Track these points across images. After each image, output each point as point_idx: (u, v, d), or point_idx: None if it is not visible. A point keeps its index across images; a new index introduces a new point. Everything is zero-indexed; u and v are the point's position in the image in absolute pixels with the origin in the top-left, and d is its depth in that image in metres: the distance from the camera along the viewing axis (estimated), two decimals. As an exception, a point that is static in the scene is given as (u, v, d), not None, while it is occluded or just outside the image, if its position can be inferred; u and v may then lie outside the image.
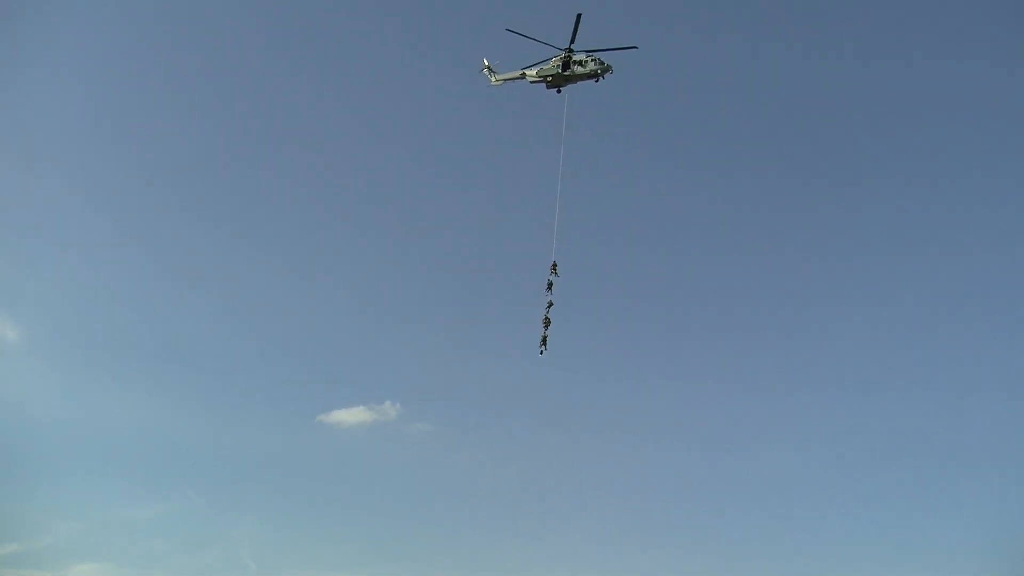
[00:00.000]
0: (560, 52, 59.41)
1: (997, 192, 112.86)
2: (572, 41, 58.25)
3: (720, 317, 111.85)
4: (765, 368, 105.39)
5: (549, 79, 60.32)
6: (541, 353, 57.59)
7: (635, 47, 57.84)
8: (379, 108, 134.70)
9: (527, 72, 61.76)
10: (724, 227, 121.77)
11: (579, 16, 56.13)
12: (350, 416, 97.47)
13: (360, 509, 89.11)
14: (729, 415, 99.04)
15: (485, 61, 64.68)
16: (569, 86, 60.70)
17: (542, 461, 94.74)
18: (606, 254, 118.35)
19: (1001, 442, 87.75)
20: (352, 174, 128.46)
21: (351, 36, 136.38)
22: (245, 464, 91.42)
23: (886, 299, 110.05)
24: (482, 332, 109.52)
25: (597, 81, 59.66)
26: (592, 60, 58.99)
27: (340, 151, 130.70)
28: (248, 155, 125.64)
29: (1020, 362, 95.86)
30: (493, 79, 64.04)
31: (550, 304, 58.03)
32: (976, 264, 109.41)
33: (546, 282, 58.30)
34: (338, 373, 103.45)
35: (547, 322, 57.91)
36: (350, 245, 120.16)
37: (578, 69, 59.31)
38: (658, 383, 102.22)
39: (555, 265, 58.82)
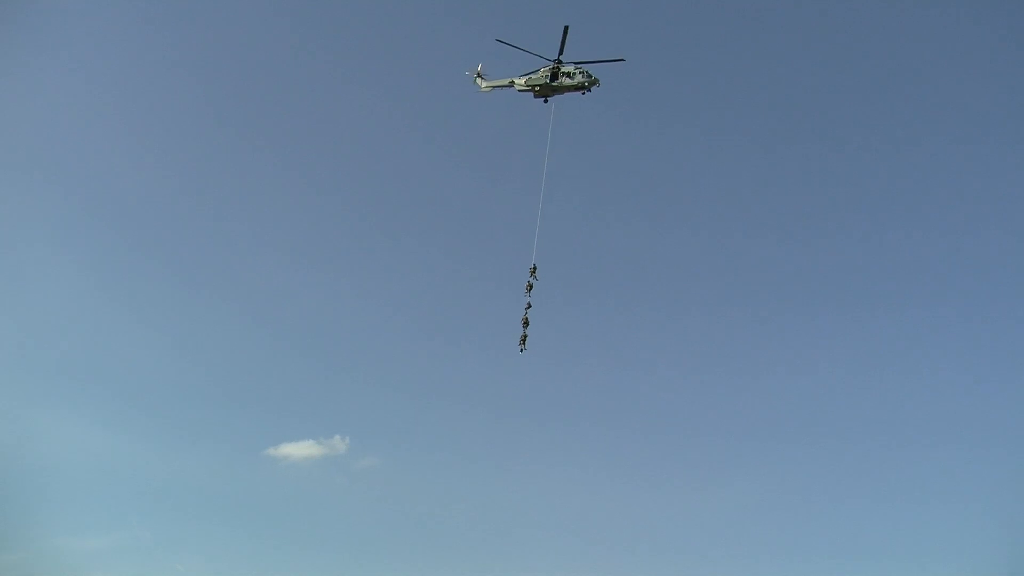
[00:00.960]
0: (549, 63, 61.63)
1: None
2: (560, 52, 60.38)
3: (698, 332, 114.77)
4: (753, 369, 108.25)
5: (537, 88, 62.31)
6: (521, 351, 60.01)
7: (622, 59, 60.28)
8: (361, 112, 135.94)
9: (516, 80, 63.74)
10: (707, 239, 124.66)
11: (567, 28, 58.26)
12: (298, 450, 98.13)
13: (307, 543, 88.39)
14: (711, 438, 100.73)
15: (478, 67, 66.56)
16: (556, 96, 63.05)
17: (493, 496, 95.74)
18: (584, 264, 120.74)
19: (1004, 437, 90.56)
20: (309, 202, 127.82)
21: (339, 38, 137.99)
22: (191, 497, 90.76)
23: (882, 293, 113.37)
24: (434, 367, 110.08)
25: (584, 93, 61.93)
26: (580, 72, 61.15)
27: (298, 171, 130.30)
28: (200, 180, 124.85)
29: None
30: (482, 85, 65.93)
31: (528, 305, 60.41)
32: (979, 257, 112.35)
33: (526, 284, 60.68)
34: (288, 406, 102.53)
35: (526, 322, 60.22)
36: (303, 279, 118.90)
37: (566, 81, 61.44)
38: (618, 419, 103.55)
39: (535, 268, 61.23)
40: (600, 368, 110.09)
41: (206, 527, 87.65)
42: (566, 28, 58.19)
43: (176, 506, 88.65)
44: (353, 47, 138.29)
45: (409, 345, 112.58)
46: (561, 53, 60.31)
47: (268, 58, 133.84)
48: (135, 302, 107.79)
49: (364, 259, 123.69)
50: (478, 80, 66.27)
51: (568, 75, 61.36)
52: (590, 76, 61.17)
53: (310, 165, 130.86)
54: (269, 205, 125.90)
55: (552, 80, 61.69)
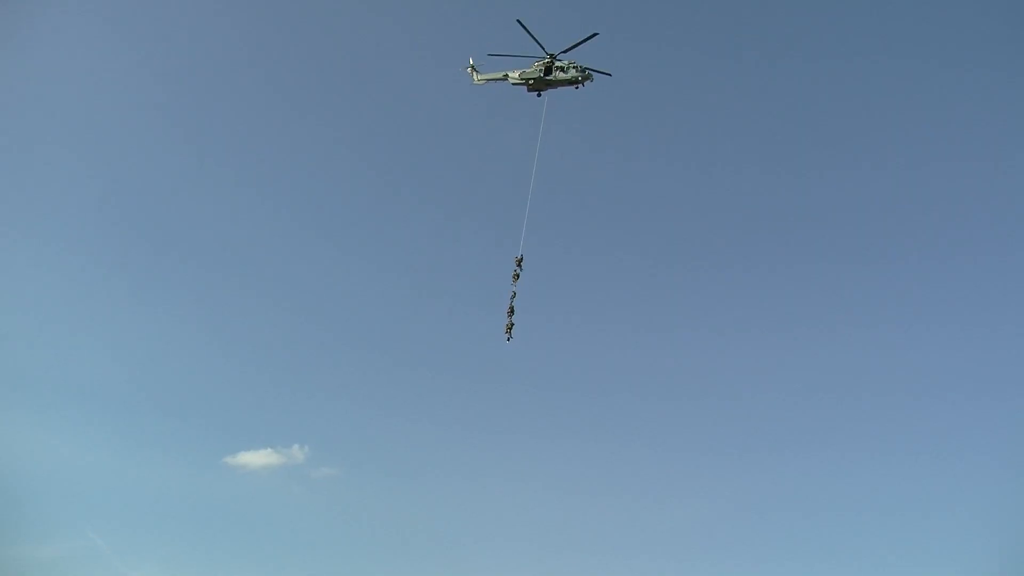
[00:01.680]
0: (543, 57, 62.52)
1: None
2: (542, 47, 60.88)
3: (685, 327, 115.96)
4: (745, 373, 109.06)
5: (531, 82, 63.28)
6: (508, 340, 60.57)
7: (595, 34, 58.83)
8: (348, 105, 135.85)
9: (510, 74, 64.73)
10: (696, 234, 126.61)
11: (519, 21, 58.26)
12: (257, 458, 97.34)
13: (264, 552, 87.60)
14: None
15: (470, 60, 67.52)
16: (549, 90, 64.03)
17: (453, 507, 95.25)
18: (570, 262, 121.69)
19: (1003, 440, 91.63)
20: (274, 204, 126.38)
21: (329, 30, 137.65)
22: (148, 504, 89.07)
23: (875, 300, 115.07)
24: (395, 377, 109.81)
25: (577, 88, 62.95)
26: (574, 67, 62.12)
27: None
28: (163, 185, 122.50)
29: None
30: (476, 78, 66.82)
31: (514, 294, 61.12)
32: (978, 263, 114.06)
33: (513, 273, 61.42)
34: (247, 415, 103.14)
35: (512, 311, 60.87)
36: (263, 286, 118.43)
37: (559, 75, 62.41)
38: (583, 431, 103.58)
39: (520, 259, 61.96)
40: (571, 378, 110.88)
41: (162, 535, 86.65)
42: (519, 21, 58.23)
43: (132, 514, 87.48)
44: (349, 38, 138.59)
45: (370, 355, 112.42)
46: (542, 47, 60.74)
47: (258, 50, 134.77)
48: (92, 310, 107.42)
49: (327, 266, 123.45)
50: (472, 72, 67.17)
51: (562, 69, 62.33)
52: (583, 71, 62.13)
53: (284, 167, 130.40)
54: (229, 212, 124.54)
55: (546, 74, 62.68)
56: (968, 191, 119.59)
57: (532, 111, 65.29)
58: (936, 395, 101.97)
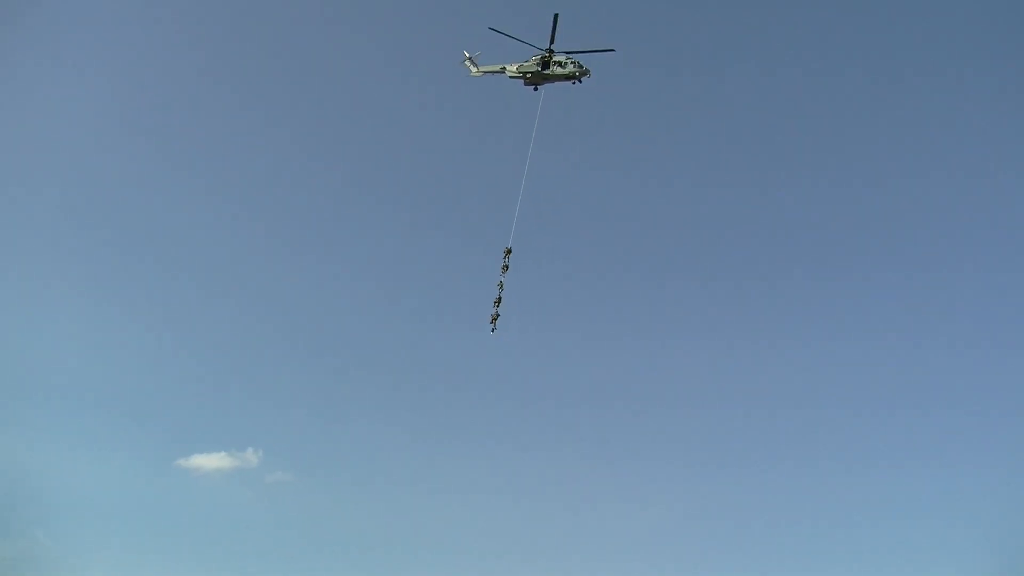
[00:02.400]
0: (541, 52, 62.81)
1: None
2: (552, 42, 61.53)
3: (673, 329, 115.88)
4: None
5: (528, 76, 63.45)
6: (492, 331, 60.16)
7: (612, 50, 61.37)
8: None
9: (507, 67, 64.88)
10: (687, 232, 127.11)
11: (556, 16, 59.40)
12: (210, 461, 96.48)
13: (213, 556, 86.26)
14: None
15: (466, 52, 67.53)
16: (546, 85, 64.24)
17: (405, 515, 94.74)
18: (552, 263, 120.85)
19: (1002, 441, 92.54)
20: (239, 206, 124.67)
21: (325, 22, 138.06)
22: (98, 506, 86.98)
23: (873, 302, 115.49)
24: (351, 384, 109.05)
25: (575, 83, 63.21)
26: (572, 62, 62.50)
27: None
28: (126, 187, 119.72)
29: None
30: (473, 70, 66.87)
31: (500, 284, 60.83)
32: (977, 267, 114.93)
33: (501, 265, 61.14)
34: (202, 417, 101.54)
35: (498, 302, 60.49)
36: (223, 290, 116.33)
37: (557, 70, 62.72)
38: (531, 450, 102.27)
39: (509, 250, 61.71)
40: (531, 385, 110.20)
41: (111, 537, 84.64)
42: (556, 16, 59.45)
43: (81, 514, 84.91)
44: (342, 31, 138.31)
45: (329, 360, 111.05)
46: (552, 42, 61.57)
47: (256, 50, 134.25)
48: (44, 306, 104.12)
49: (287, 269, 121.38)
50: (469, 64, 67.21)
51: (560, 64, 62.64)
52: (581, 66, 62.54)
53: (251, 165, 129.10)
54: (187, 212, 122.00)
55: (544, 68, 62.91)
56: (964, 202, 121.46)
57: (528, 106, 65.58)
58: (912, 405, 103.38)
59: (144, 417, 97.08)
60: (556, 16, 59.51)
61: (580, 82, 63.25)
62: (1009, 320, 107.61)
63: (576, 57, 62.55)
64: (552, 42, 61.48)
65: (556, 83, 63.71)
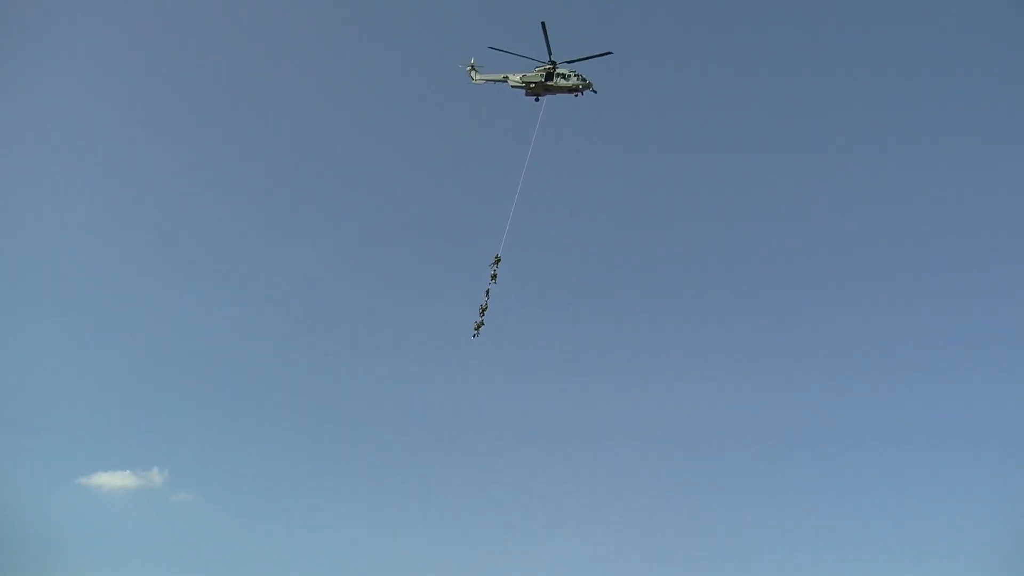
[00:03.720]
0: (543, 63, 62.40)
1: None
2: (549, 52, 60.92)
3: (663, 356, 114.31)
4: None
5: (532, 86, 62.98)
6: (474, 337, 59.03)
7: (610, 53, 60.00)
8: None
9: (510, 76, 64.42)
10: (680, 248, 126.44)
11: (543, 25, 58.61)
12: (113, 480, 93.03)
13: None
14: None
15: (471, 60, 66.99)
16: (548, 96, 63.79)
17: (309, 541, 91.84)
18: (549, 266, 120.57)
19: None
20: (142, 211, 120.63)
21: (330, 27, 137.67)
22: None
23: (874, 289, 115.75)
24: (261, 405, 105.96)
25: (576, 96, 62.80)
26: (575, 75, 62.17)
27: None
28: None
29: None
30: (475, 77, 66.29)
31: (487, 292, 59.88)
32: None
33: (491, 272, 60.25)
34: (107, 434, 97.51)
35: (483, 309, 59.44)
36: (133, 300, 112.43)
37: (560, 81, 62.34)
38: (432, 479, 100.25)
39: (498, 259, 60.77)
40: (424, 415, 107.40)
41: (4, 554, 77.43)
42: (543, 24, 58.67)
43: None
44: (336, 40, 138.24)
45: (239, 381, 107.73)
46: (550, 52, 60.99)
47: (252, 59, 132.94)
48: None
49: (201, 284, 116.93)
50: (471, 72, 66.66)
51: (563, 76, 62.28)
52: (584, 80, 62.25)
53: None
54: (86, 220, 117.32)
55: (547, 80, 62.50)
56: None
57: (528, 115, 65.07)
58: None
59: (45, 432, 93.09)
60: (543, 24, 58.74)
61: (582, 94, 62.94)
62: (1001, 322, 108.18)
63: (575, 65, 62.05)
64: (549, 52, 61.03)
65: (557, 94, 63.46)
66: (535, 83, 62.98)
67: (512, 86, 64.46)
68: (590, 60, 60.13)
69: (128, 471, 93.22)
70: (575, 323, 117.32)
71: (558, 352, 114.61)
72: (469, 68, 66.76)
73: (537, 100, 64.10)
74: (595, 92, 62.80)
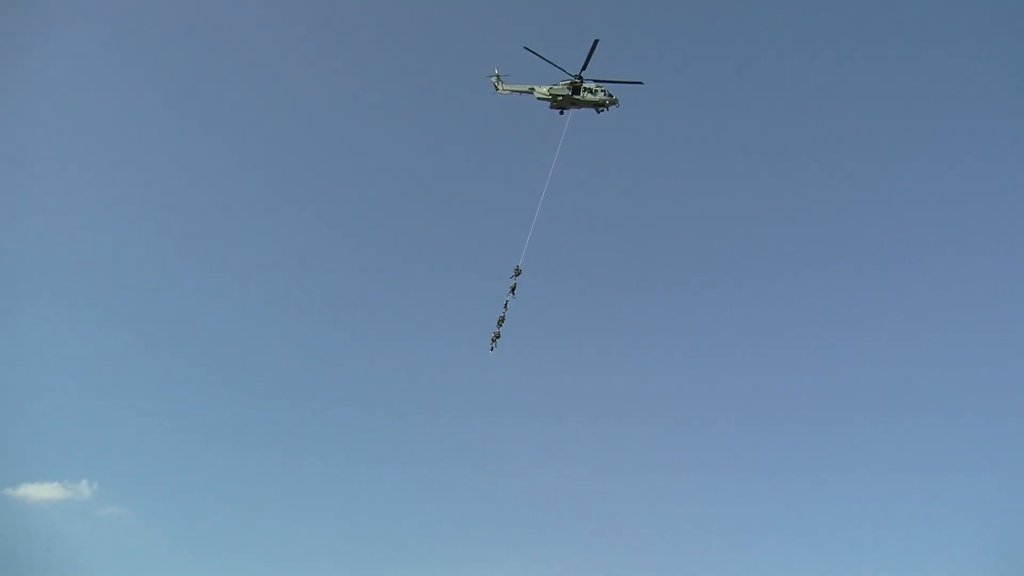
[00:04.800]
0: (569, 77, 62.36)
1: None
2: (584, 68, 61.04)
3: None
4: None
5: (559, 98, 62.90)
6: (491, 350, 58.94)
7: (640, 82, 61.53)
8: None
9: (536, 88, 64.30)
10: (697, 269, 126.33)
11: (596, 42, 58.66)
12: (39, 492, 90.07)
13: None
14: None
15: (495, 70, 66.81)
16: (572, 110, 63.79)
17: (244, 555, 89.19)
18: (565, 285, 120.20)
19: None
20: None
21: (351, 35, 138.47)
22: None
23: (875, 305, 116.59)
24: (199, 415, 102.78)
25: (600, 111, 62.88)
26: (602, 90, 62.31)
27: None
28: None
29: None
30: (500, 87, 66.01)
31: (506, 304, 59.80)
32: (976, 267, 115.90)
33: (511, 284, 60.19)
34: (35, 444, 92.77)
35: (501, 321, 59.29)
36: (61, 297, 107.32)
37: (587, 96, 62.42)
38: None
39: (518, 271, 60.74)
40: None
41: None
42: (595, 42, 58.77)
43: None
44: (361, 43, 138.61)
45: (171, 393, 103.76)
46: (585, 68, 61.14)
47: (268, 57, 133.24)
48: None
49: (147, 279, 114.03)
50: (496, 81, 66.45)
51: (590, 91, 62.39)
52: (610, 95, 62.41)
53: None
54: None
55: (574, 93, 62.48)
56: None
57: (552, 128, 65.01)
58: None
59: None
60: (596, 42, 58.87)
61: (607, 110, 63.00)
62: (1003, 319, 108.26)
63: (604, 86, 62.33)
64: (584, 68, 61.09)
65: (582, 108, 63.49)
66: (562, 96, 62.96)
67: (538, 98, 64.27)
68: (618, 84, 60.45)
69: (56, 483, 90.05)
70: (592, 342, 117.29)
71: (560, 351, 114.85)
72: (494, 78, 66.60)
73: (562, 113, 64.17)
74: (641, 83, 62.81)
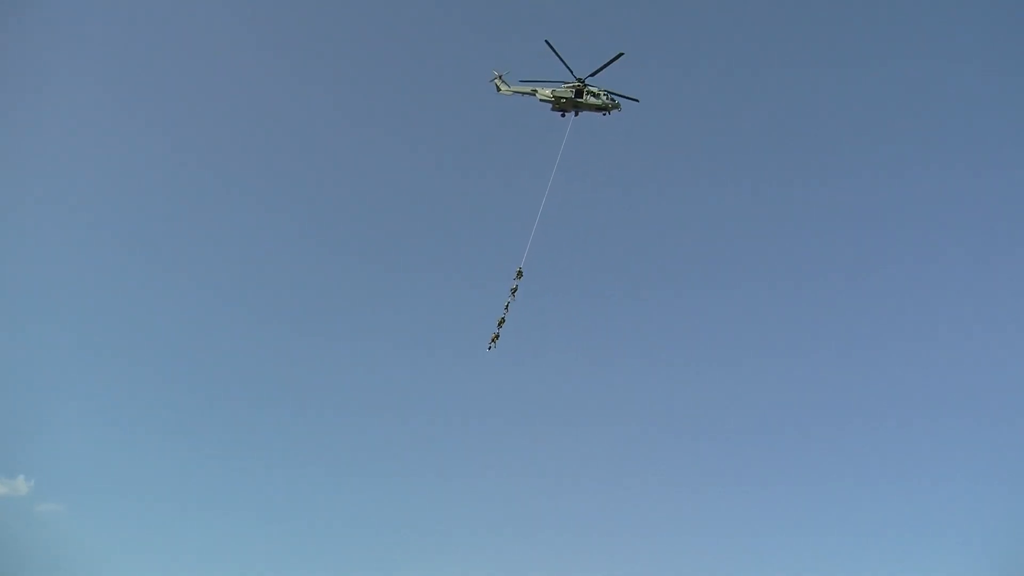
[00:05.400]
0: (573, 80, 62.49)
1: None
2: (594, 74, 61.09)
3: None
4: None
5: (563, 100, 63.00)
6: (489, 349, 58.67)
7: (637, 100, 62.52)
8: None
9: (539, 90, 64.36)
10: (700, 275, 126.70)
11: (619, 55, 58.54)
12: None
13: None
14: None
15: (495, 71, 66.70)
16: (573, 113, 63.91)
17: (182, 553, 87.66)
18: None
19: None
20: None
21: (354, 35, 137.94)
22: None
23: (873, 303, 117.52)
24: (139, 409, 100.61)
25: (604, 115, 63.03)
26: (605, 94, 62.42)
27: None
28: None
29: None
30: (503, 88, 66.00)
31: (507, 306, 59.56)
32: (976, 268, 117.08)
33: (512, 286, 60.07)
34: None
35: (502, 322, 59.06)
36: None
37: (590, 99, 62.52)
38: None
39: (520, 273, 60.64)
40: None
41: None
42: (619, 55, 58.60)
43: None
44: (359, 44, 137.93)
45: (112, 388, 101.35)
46: (594, 75, 61.22)
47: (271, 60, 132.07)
48: None
49: (77, 280, 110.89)
50: (499, 83, 66.39)
51: (593, 95, 62.46)
52: (613, 99, 62.57)
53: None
54: None
55: (577, 96, 62.58)
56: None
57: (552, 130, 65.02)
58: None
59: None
60: (619, 55, 58.55)
61: (609, 114, 63.16)
62: (1002, 322, 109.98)
63: (598, 77, 62.14)
64: (594, 74, 61.10)
65: (583, 112, 63.61)
66: (565, 99, 63.05)
67: (540, 100, 64.41)
68: (611, 68, 60.48)
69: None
70: (594, 345, 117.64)
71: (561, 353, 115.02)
72: (497, 79, 66.54)
73: (563, 116, 64.27)
74: (637, 100, 63.22)
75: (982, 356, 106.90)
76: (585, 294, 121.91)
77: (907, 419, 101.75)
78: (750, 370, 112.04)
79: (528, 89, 65.01)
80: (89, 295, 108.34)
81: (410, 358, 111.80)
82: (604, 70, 60.04)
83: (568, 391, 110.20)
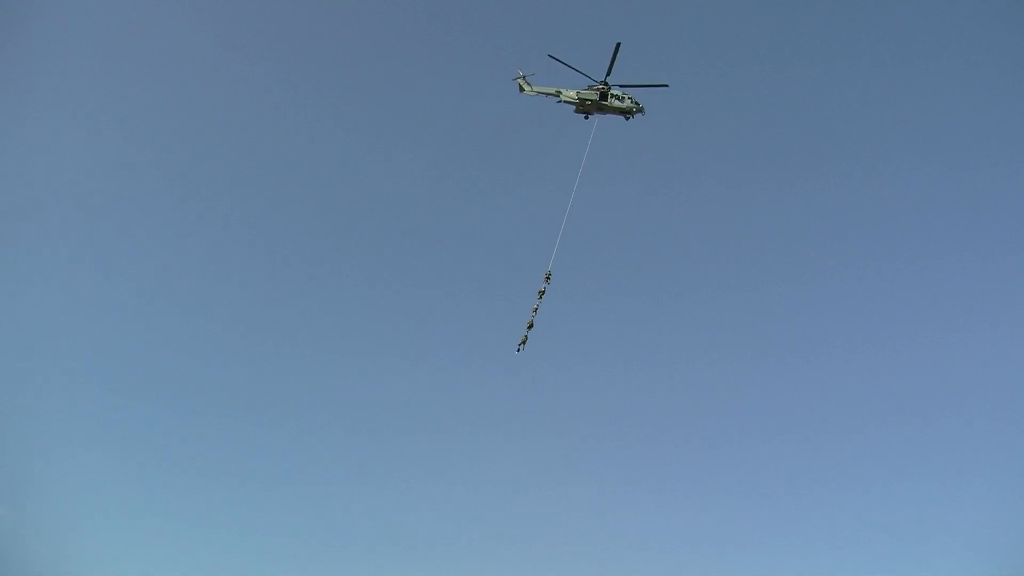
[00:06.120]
0: (595, 83, 63.02)
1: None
2: (609, 73, 61.66)
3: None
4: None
5: (588, 103, 63.55)
6: (518, 351, 60.46)
7: (666, 85, 62.37)
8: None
9: (563, 92, 64.77)
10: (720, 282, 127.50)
11: (618, 45, 59.02)
12: None
13: None
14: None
15: (520, 71, 67.05)
16: (597, 116, 64.57)
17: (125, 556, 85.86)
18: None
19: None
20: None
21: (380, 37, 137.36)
22: None
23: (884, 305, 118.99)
24: (72, 412, 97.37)
25: (628, 119, 63.72)
26: (629, 98, 63.05)
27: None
28: None
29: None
30: (527, 89, 66.36)
31: (536, 308, 61.03)
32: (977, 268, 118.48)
33: (539, 289, 61.43)
34: None
35: (530, 325, 60.64)
36: None
37: (614, 103, 63.15)
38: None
39: (549, 275, 61.97)
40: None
41: None
42: (617, 45, 59.06)
43: None
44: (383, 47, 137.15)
45: (52, 388, 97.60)
46: (609, 73, 61.75)
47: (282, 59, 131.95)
48: None
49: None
50: (522, 83, 66.75)
51: (617, 98, 63.07)
52: (637, 103, 63.20)
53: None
54: None
55: (601, 99, 63.18)
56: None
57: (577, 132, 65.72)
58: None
59: None
60: (618, 45, 59.31)
61: (632, 118, 63.83)
62: (1000, 323, 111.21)
63: (629, 90, 63.07)
64: (609, 73, 61.69)
65: (607, 114, 64.29)
66: (590, 101, 63.62)
67: (564, 101, 64.76)
68: (643, 87, 61.22)
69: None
70: (596, 349, 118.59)
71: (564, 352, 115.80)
72: (520, 79, 66.91)
73: (587, 118, 64.89)
74: (666, 86, 63.21)
75: (982, 356, 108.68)
76: (600, 298, 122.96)
77: (907, 419, 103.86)
78: (764, 371, 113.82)
79: (552, 90, 65.40)
80: (30, 300, 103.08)
81: (409, 364, 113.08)
82: (615, 66, 60.48)
83: (571, 396, 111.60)
